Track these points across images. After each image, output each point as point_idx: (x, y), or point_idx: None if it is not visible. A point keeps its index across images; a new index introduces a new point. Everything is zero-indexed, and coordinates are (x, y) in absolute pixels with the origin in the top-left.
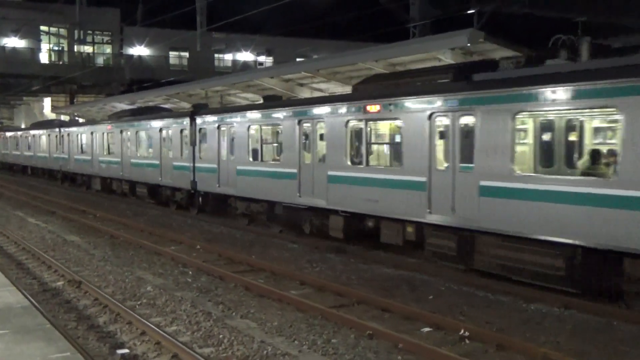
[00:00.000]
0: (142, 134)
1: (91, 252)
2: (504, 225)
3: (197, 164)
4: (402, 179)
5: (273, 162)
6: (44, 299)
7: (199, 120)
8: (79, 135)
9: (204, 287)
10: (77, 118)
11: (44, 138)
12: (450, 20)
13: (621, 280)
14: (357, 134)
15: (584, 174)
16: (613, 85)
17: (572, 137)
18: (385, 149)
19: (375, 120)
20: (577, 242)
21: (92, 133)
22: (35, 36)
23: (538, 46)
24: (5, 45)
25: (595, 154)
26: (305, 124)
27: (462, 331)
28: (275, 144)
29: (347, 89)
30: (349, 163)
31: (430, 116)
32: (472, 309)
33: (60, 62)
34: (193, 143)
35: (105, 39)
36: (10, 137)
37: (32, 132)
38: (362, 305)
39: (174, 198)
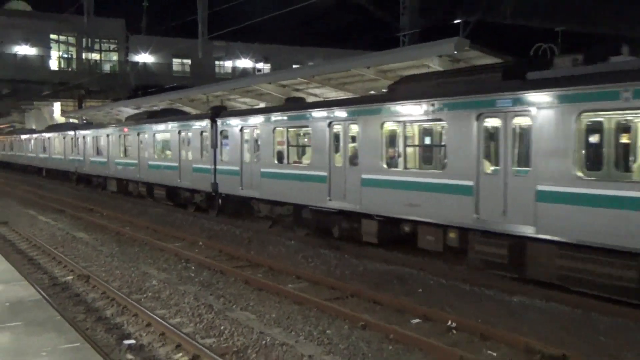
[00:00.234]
0: (160, 136)
1: (99, 249)
2: (565, 232)
3: (218, 166)
4: (446, 182)
5: (300, 165)
6: (54, 292)
7: (220, 123)
8: (95, 138)
9: (206, 281)
10: (83, 121)
11: (59, 140)
12: (438, 29)
13: None
14: (394, 136)
15: None
16: None
17: None
18: (426, 151)
19: (414, 121)
20: None
21: (108, 135)
22: (45, 44)
23: (520, 54)
24: (17, 52)
25: None
26: (336, 126)
27: (449, 322)
28: (303, 147)
29: (341, 94)
30: (384, 166)
31: (478, 117)
32: (458, 302)
33: (69, 69)
34: (214, 145)
35: (112, 46)
36: (25, 139)
37: (48, 134)
38: (355, 298)
39: (193, 200)
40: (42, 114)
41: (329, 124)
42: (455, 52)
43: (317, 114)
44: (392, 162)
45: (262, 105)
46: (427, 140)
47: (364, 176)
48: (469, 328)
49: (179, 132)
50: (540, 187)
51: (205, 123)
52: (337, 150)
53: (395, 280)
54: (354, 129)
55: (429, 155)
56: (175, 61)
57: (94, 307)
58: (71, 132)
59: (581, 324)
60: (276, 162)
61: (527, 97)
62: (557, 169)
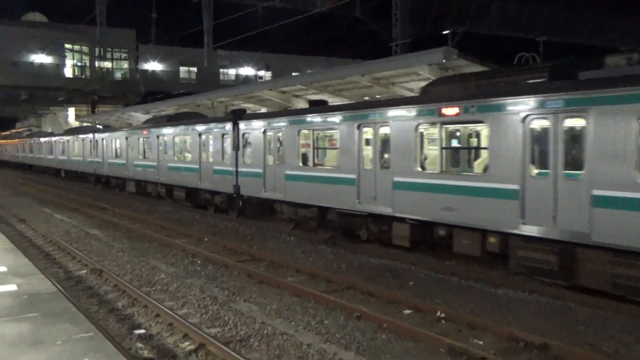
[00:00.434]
0: (180, 138)
1: (111, 244)
2: (622, 238)
3: (240, 169)
4: (487, 186)
5: (327, 168)
6: (69, 285)
7: (242, 125)
8: (114, 140)
9: (211, 274)
10: (95, 125)
11: (78, 143)
12: (427, 39)
13: None
14: (429, 139)
15: None
16: None
17: None
18: (465, 154)
19: (452, 123)
20: None
21: (127, 138)
22: (60, 53)
23: (504, 62)
24: (34, 61)
25: None
26: (365, 129)
27: (439, 313)
28: (330, 149)
29: (337, 100)
30: (419, 169)
31: (524, 119)
32: (447, 294)
33: (83, 76)
34: (236, 148)
35: (123, 55)
36: (44, 142)
37: (67, 137)
38: (351, 290)
39: (213, 201)
40: (58, 119)
41: (358, 127)
42: (444, 61)
43: (346, 116)
44: (427, 165)
45: (263, 110)
46: (467, 143)
47: (397, 179)
48: (457, 318)
49: (200, 135)
50: (596, 192)
51: (226, 126)
52: (366, 152)
53: (388, 274)
54: (385, 131)
55: (469, 158)
56: (182, 69)
57: (106, 299)
58: (90, 135)
59: (561, 315)
60: (301, 164)
61: (582, 98)
62: (616, 173)
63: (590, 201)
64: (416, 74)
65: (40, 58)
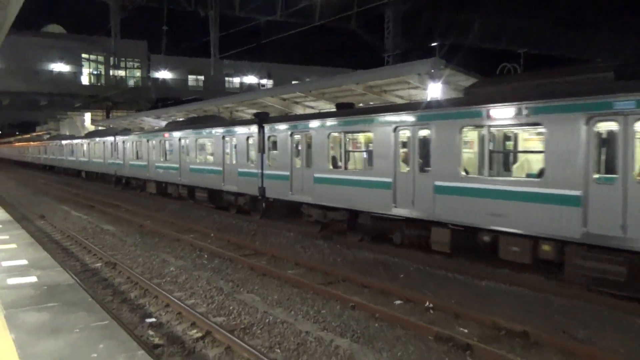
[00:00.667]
0: (203, 141)
1: (124, 239)
2: None
3: (265, 171)
4: (543, 192)
5: (360, 171)
6: (85, 277)
7: (267, 128)
8: (135, 143)
9: (217, 267)
10: (108, 128)
11: (99, 145)
12: (417, 50)
13: None
14: (475, 142)
15: None
16: None
17: None
18: (516, 157)
19: (502, 126)
20: None
21: (148, 141)
22: (77, 62)
23: (488, 72)
24: (53, 69)
25: None
26: (402, 132)
27: (427, 303)
28: (363, 152)
29: (333, 107)
30: (463, 173)
31: (588, 120)
32: (435, 286)
33: (98, 84)
34: (261, 150)
35: (135, 64)
36: (65, 144)
37: (88, 140)
38: (346, 282)
39: (236, 203)
40: (75, 123)
41: (395, 129)
42: (432, 71)
43: (381, 119)
44: (472, 169)
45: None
46: (520, 146)
47: (438, 183)
48: (444, 308)
49: (223, 137)
50: None
51: (252, 128)
52: (402, 156)
53: (381, 267)
54: (425, 134)
55: (522, 162)
56: (191, 77)
57: (120, 290)
58: (111, 138)
59: (540, 305)
60: (331, 167)
61: None
62: None
63: None
64: (407, 83)
65: (59, 67)
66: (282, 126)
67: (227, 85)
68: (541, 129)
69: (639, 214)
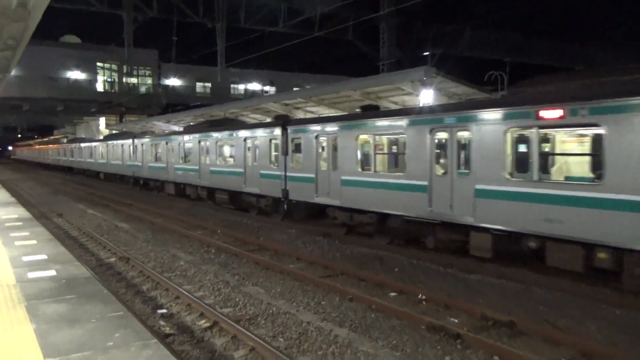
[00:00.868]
0: (224, 143)
1: (136, 236)
2: None
3: (288, 173)
4: (603, 197)
5: (392, 174)
6: (101, 271)
7: (291, 130)
8: (153, 145)
9: (224, 262)
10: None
11: (118, 148)
12: (410, 59)
13: None
14: (523, 143)
15: None
16: None
17: None
18: (568, 160)
19: (553, 127)
20: None
21: (167, 143)
22: (92, 70)
23: (476, 80)
24: (70, 77)
25: None
26: (439, 133)
27: (420, 295)
28: (395, 155)
29: (332, 112)
30: (507, 177)
31: None
32: (427, 279)
33: (112, 90)
34: (285, 152)
35: (147, 72)
36: (84, 147)
37: (107, 142)
38: (344, 275)
39: (257, 204)
40: (90, 127)
41: (431, 131)
42: (424, 78)
43: (416, 120)
44: (519, 173)
45: (269, 120)
46: (575, 148)
47: (479, 187)
48: (436, 300)
49: (245, 140)
50: None
51: (275, 131)
52: (438, 158)
53: (376, 262)
54: (465, 135)
55: (577, 164)
56: (198, 84)
57: (133, 283)
58: (129, 141)
59: (524, 297)
60: (359, 170)
61: None
62: None
63: None
64: (400, 89)
65: (76, 74)
66: (306, 128)
67: (232, 91)
68: (599, 130)
69: None
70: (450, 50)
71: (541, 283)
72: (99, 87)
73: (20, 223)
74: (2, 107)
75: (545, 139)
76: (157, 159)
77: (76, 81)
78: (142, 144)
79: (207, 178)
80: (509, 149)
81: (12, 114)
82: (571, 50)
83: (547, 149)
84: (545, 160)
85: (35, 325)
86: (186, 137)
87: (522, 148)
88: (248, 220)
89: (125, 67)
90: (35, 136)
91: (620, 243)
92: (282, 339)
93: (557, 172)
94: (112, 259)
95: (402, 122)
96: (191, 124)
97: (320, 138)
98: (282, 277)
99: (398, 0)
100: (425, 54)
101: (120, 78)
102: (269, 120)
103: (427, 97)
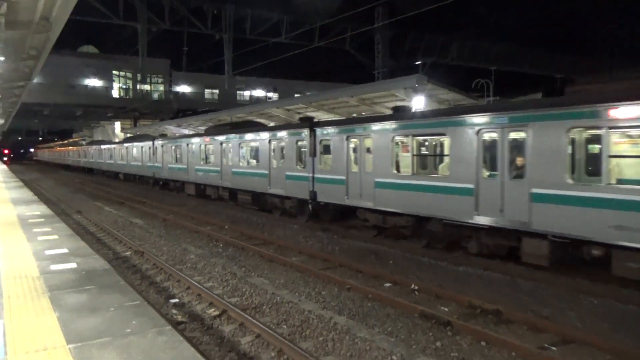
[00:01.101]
0: (247, 145)
1: (150, 231)
2: None
3: (317, 175)
4: None
5: (432, 176)
6: (117, 264)
7: (319, 132)
8: (173, 147)
9: (231, 255)
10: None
11: (137, 149)
12: (403, 68)
13: None
14: (589, 145)
15: None
16: None
17: None
18: None
19: (626, 127)
20: None
21: (188, 145)
22: (109, 78)
23: (464, 86)
24: (88, 84)
25: None
26: (487, 134)
27: (413, 286)
28: (436, 157)
29: (331, 116)
30: (569, 180)
31: None
32: (419, 271)
33: (127, 97)
34: (313, 154)
35: (159, 80)
36: (104, 149)
37: (126, 144)
38: (343, 268)
39: (282, 206)
40: (106, 130)
41: (478, 132)
42: (416, 85)
43: (461, 120)
44: (584, 176)
45: (272, 124)
46: None
47: (536, 191)
48: (427, 290)
49: (269, 142)
50: None
51: (302, 132)
52: (486, 160)
53: (372, 255)
54: (519, 136)
55: None
56: (207, 91)
57: (147, 274)
58: (149, 142)
59: (510, 287)
60: (395, 172)
61: None
62: None
63: None
64: (394, 95)
65: (93, 82)
66: (337, 130)
67: (238, 97)
68: None
69: None
70: (440, 60)
71: (525, 275)
72: (115, 93)
73: (42, 219)
74: (25, 112)
75: (616, 140)
76: (177, 160)
77: (93, 88)
78: (162, 146)
79: (229, 179)
80: (572, 151)
81: (34, 118)
82: (552, 59)
83: (619, 151)
84: (617, 163)
85: (58, 313)
86: (207, 139)
87: (589, 150)
88: (253, 217)
89: (139, 75)
90: (55, 139)
91: None
92: (285, 326)
93: (633, 176)
94: (128, 253)
95: (445, 122)
96: (210, 125)
97: (352, 139)
98: (285, 269)
99: (392, 13)
100: (417, 62)
101: (134, 85)
102: (272, 124)
103: (418, 103)
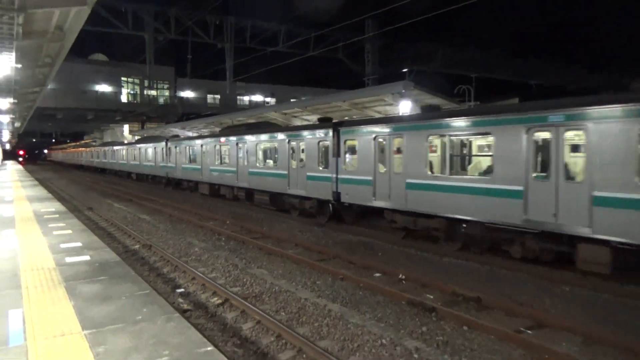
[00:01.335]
0: (264, 145)
1: (157, 226)
2: None
3: (340, 175)
4: None
5: (472, 177)
6: (127, 256)
7: (344, 132)
8: (187, 148)
9: (233, 248)
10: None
11: (150, 150)
12: (391, 75)
13: None
14: None
15: None
16: None
17: None
18: None
19: None
20: None
21: (202, 145)
22: (118, 84)
23: (447, 92)
24: (98, 90)
25: None
26: (539, 133)
27: (401, 275)
28: (478, 157)
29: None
30: (638, 181)
31: None
32: (407, 262)
33: (135, 101)
34: (336, 154)
35: (165, 86)
36: (117, 149)
37: (139, 145)
38: (336, 259)
39: (301, 206)
40: (115, 132)
41: (527, 131)
42: (403, 91)
43: (507, 119)
44: None
45: (293, 124)
46: None
47: (599, 194)
48: (414, 279)
49: (289, 142)
50: None
51: (324, 132)
52: (536, 161)
53: (363, 247)
54: (576, 136)
55: None
56: (209, 96)
57: (155, 266)
58: (162, 143)
59: (489, 276)
60: (429, 173)
61: None
62: None
63: None
64: (383, 100)
65: (103, 88)
66: (363, 130)
67: (238, 102)
68: None
69: None
70: (425, 67)
71: (504, 265)
72: (124, 98)
73: (56, 215)
74: (40, 115)
75: None
76: (191, 161)
77: (103, 93)
78: (175, 147)
79: (245, 179)
80: (635, 150)
81: (48, 121)
82: (528, 66)
83: None
84: None
85: (74, 302)
86: (223, 140)
87: None
88: (253, 212)
89: (146, 81)
90: (68, 141)
91: None
92: (283, 313)
93: None
94: (137, 246)
95: (489, 122)
96: (224, 126)
97: (379, 139)
98: (282, 261)
99: (381, 24)
100: (404, 70)
101: (141, 91)
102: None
103: (405, 107)
